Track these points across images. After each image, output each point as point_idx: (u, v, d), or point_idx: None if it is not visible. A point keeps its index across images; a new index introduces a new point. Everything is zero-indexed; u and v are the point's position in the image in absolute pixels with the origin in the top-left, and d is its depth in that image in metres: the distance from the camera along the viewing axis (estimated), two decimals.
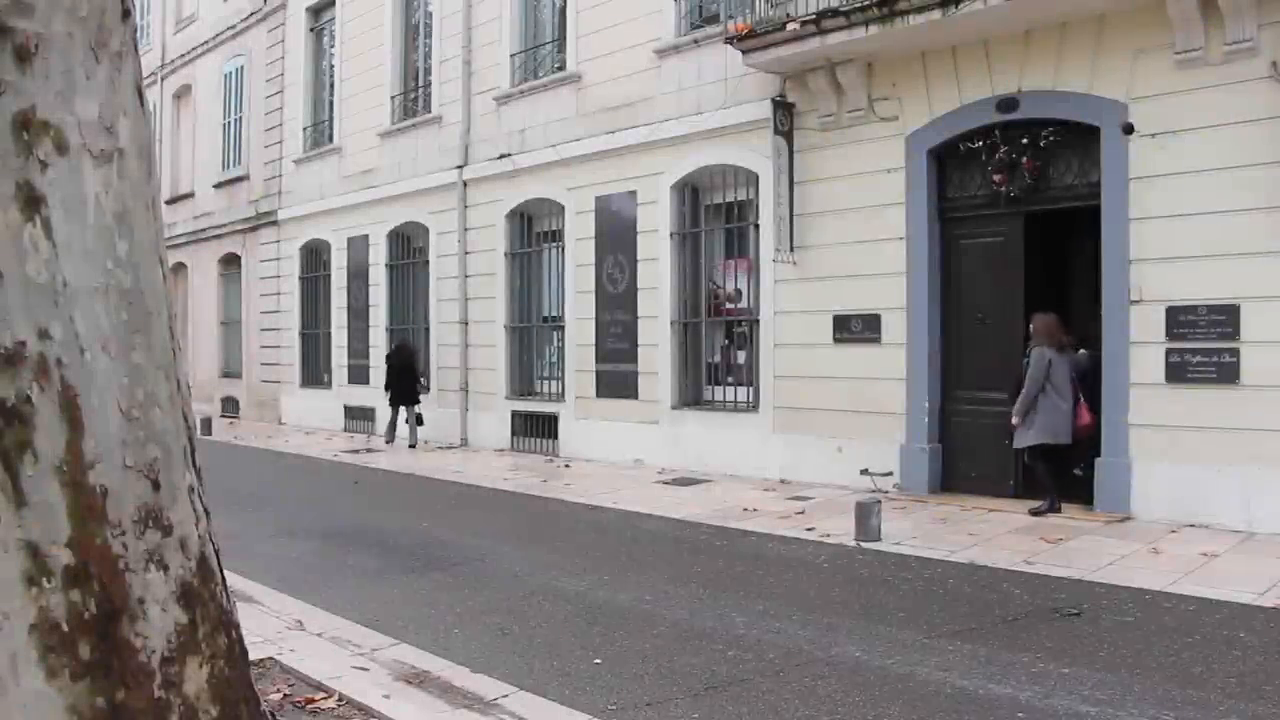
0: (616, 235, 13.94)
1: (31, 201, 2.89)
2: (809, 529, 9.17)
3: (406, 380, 16.67)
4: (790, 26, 10.81)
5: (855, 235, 11.21)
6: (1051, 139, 9.96)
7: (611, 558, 8.34)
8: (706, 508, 10.43)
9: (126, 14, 3.17)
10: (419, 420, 16.74)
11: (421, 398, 16.86)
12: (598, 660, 5.64)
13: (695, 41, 12.86)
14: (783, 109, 11.69)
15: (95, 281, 2.98)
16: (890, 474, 10.87)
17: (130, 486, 3.05)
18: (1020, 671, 5.27)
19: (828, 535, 8.89)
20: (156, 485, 3.11)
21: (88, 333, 2.95)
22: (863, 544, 8.49)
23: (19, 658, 2.96)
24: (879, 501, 8.91)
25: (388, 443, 16.97)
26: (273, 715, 4.28)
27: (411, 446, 16.45)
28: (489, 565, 8.13)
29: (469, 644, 5.98)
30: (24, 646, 2.96)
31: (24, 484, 2.91)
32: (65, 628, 2.97)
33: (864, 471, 10.96)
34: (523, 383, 16.01)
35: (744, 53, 11.46)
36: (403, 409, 16.76)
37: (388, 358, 17.24)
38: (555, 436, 14.97)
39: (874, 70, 11.06)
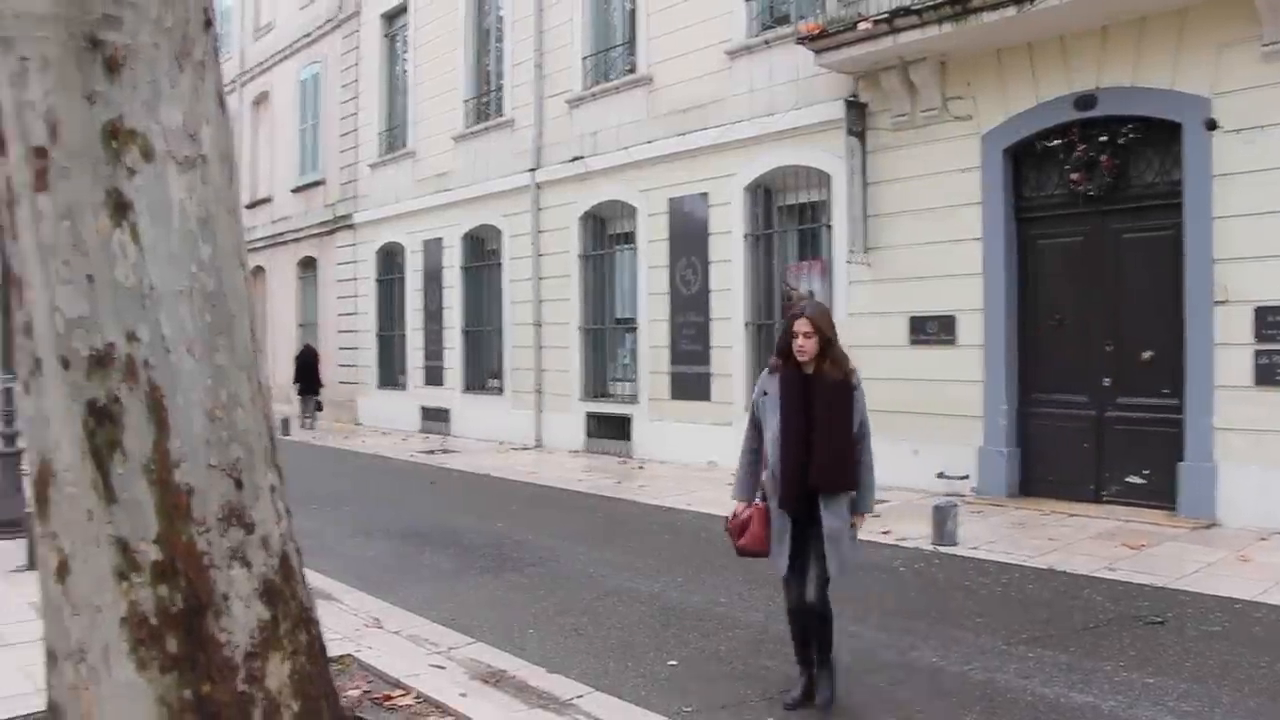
0: (689, 237, 13.93)
1: (120, 207, 2.96)
2: (884, 532, 9.07)
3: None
4: (862, 26, 10.72)
5: (930, 236, 11.07)
6: (1131, 136, 9.75)
7: (685, 560, 8.32)
8: None
9: (208, 24, 3.23)
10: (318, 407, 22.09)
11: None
12: (673, 662, 5.64)
13: (766, 42, 12.80)
14: (855, 109, 11.59)
15: (180, 285, 3.04)
16: (966, 477, 10.72)
17: (214, 485, 3.11)
18: (1102, 680, 5.17)
19: (904, 539, 8.80)
20: (239, 484, 3.18)
21: (173, 335, 3.02)
22: (939, 548, 8.39)
23: (111, 649, 3.04)
24: (956, 505, 8.79)
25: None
26: (352, 711, 4.35)
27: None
28: (563, 566, 8.17)
29: (544, 644, 6.02)
30: (116, 638, 3.03)
31: (114, 481, 2.99)
32: (154, 621, 3.04)
33: (940, 475, 10.82)
34: (596, 384, 16.06)
35: (816, 53, 11.38)
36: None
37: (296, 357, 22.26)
38: (629, 438, 14.99)
39: (948, 69, 10.92)
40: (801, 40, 11.44)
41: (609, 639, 6.15)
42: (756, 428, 5.06)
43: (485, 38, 18.59)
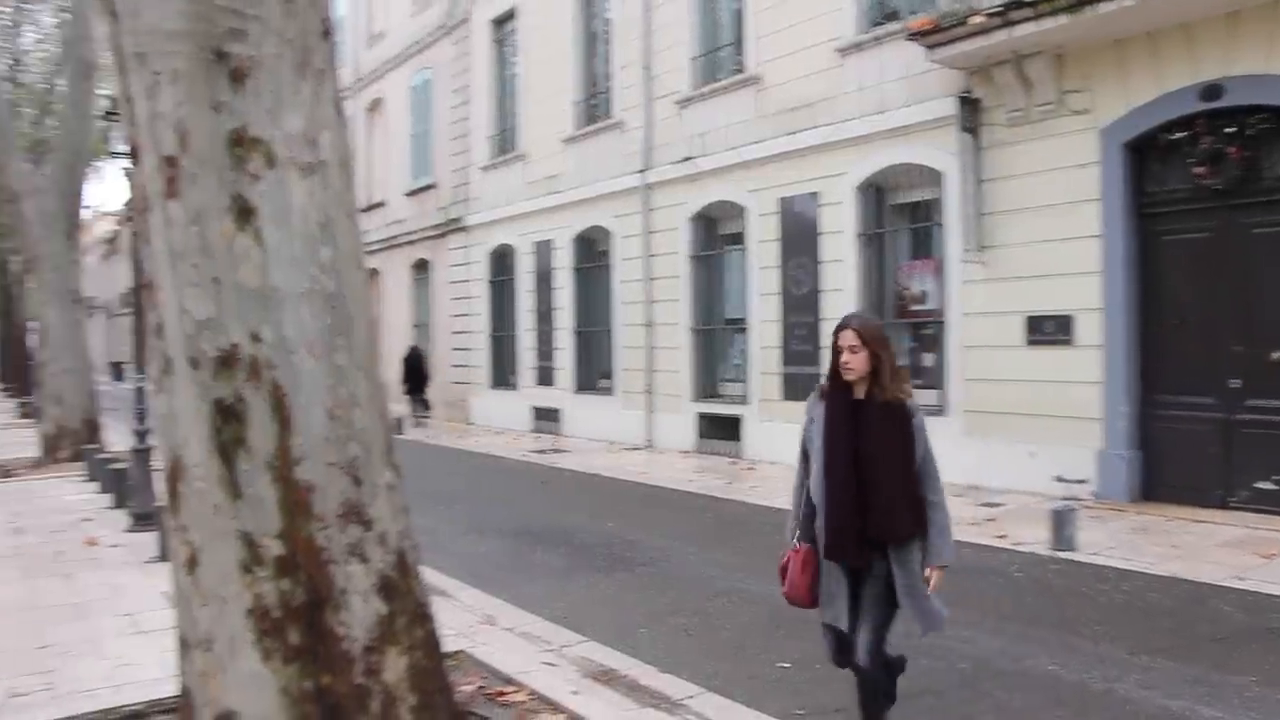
0: (799, 237, 13.83)
1: (244, 213, 3.06)
2: (1000, 536, 8.89)
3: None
4: (975, 20, 10.50)
5: (1047, 234, 10.80)
6: (1262, 127, 9.37)
7: None
8: None
9: (326, 34, 3.33)
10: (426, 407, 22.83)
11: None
12: (784, 664, 5.61)
13: (876, 39, 12.63)
14: (968, 105, 11.37)
15: (301, 287, 3.13)
16: (1085, 481, 10.43)
17: (334, 482, 3.20)
18: (1233, 695, 4.95)
19: (1020, 543, 8.60)
20: (358, 482, 3.26)
21: (295, 335, 3.11)
22: (1057, 553, 8.18)
23: (237, 639, 3.15)
24: (1074, 509, 8.56)
25: None
26: (465, 706, 4.42)
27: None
28: (674, 566, 8.19)
29: (655, 643, 6.04)
30: (241, 629, 3.15)
31: (239, 478, 3.10)
32: (277, 614, 3.14)
33: (1058, 478, 10.55)
34: (707, 385, 16.04)
35: (927, 48, 11.19)
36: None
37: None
38: (739, 439, 14.94)
39: (1064, 61, 10.64)
40: (913, 36, 11.27)
41: (720, 639, 6.15)
42: (806, 460, 4.38)
43: (593, 40, 18.71)
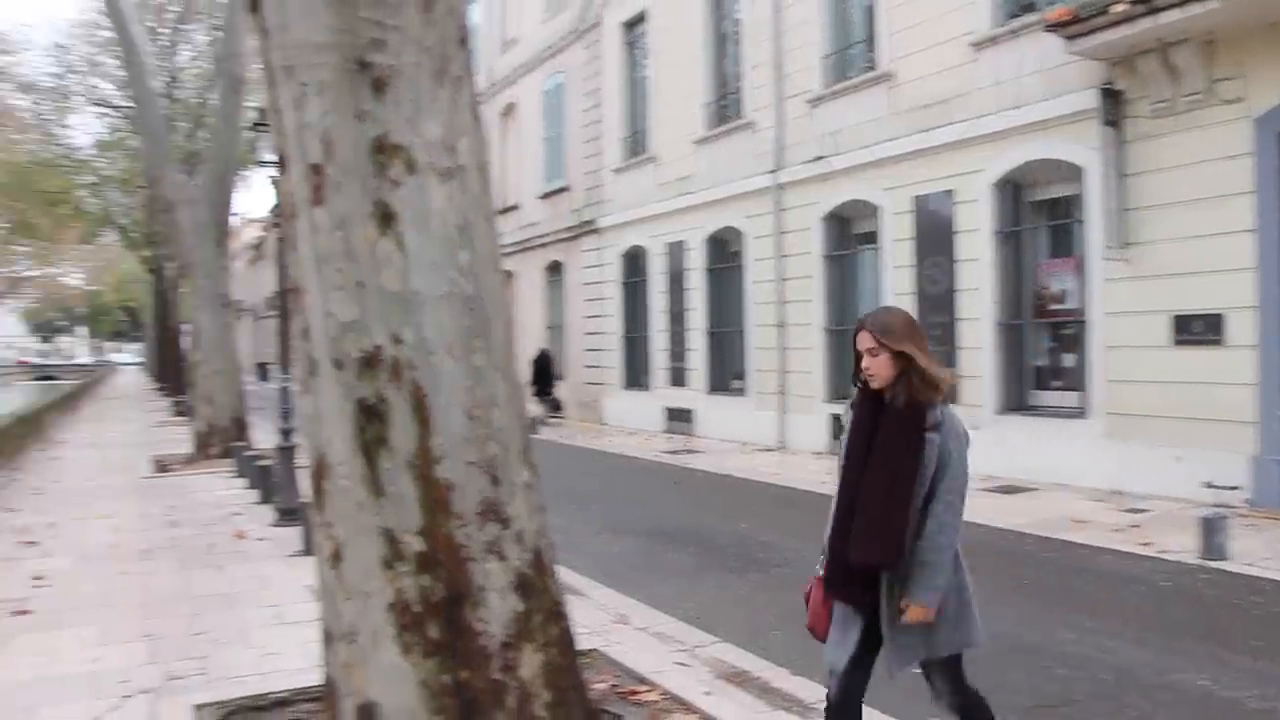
0: (934, 235, 13.59)
1: (386, 218, 3.16)
2: (1144, 544, 8.59)
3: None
4: (1117, 8, 10.15)
5: (1195, 229, 10.39)
6: None
7: None
8: (1031, 517, 9.98)
9: (463, 41, 3.40)
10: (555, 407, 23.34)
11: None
12: (914, 670, 5.52)
13: (1012, 32, 12.33)
14: (1110, 97, 11.01)
15: (441, 289, 3.21)
16: (1238, 488, 10.00)
17: (473, 481, 3.27)
18: None
19: (1166, 551, 8.29)
20: (496, 481, 3.32)
21: (435, 337, 3.20)
22: (1207, 562, 7.87)
23: (379, 633, 3.25)
24: (1226, 517, 8.22)
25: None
26: (599, 705, 4.47)
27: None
28: (807, 567, 8.04)
29: (788, 646, 6.00)
30: (383, 623, 3.24)
31: (381, 476, 3.20)
32: (417, 609, 3.23)
33: (1208, 484, 10.14)
34: (840, 386, 15.86)
35: (1066, 39, 10.88)
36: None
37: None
38: None
39: (1214, 48, 10.21)
40: (1051, 27, 10.97)
41: None
42: None
43: (723, 41, 18.70)
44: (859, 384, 3.60)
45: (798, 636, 6.19)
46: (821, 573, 3.73)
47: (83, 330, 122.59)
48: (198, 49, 31.75)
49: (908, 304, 13.92)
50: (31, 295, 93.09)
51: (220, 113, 16.86)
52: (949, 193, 13.26)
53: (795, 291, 16.32)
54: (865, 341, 3.51)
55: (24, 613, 6.82)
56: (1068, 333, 12.29)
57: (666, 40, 19.82)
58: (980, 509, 10.45)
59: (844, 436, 3.65)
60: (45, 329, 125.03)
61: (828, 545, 3.63)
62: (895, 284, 14.25)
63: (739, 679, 5.29)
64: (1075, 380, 11.98)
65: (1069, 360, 12.26)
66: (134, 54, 16.49)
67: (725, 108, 18.44)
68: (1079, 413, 11.71)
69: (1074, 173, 11.71)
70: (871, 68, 14.71)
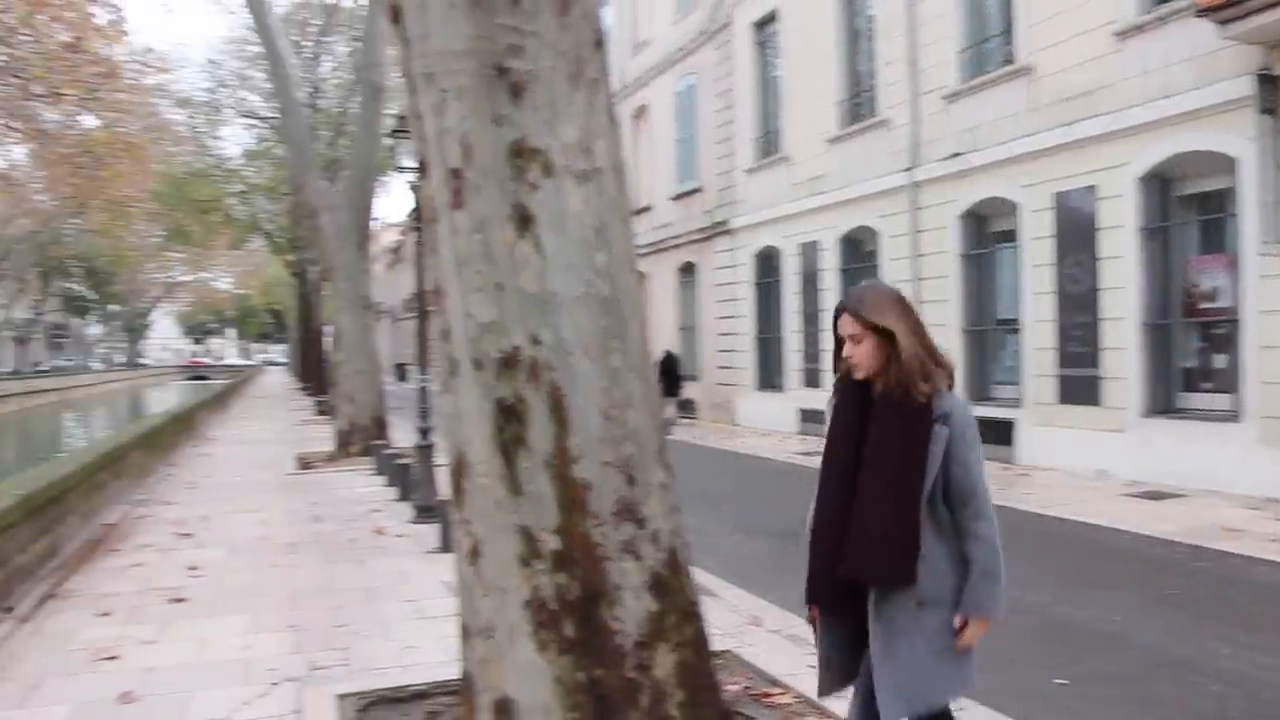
0: (1075, 233, 13.18)
1: (524, 220, 3.21)
2: None
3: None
4: None
5: None
6: None
7: (1072, 572, 7.89)
8: (1180, 525, 9.59)
9: (599, 44, 3.43)
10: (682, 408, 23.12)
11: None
12: (1060, 680, 5.36)
13: (1160, 19, 11.86)
14: (1267, 83, 10.49)
15: (577, 291, 3.25)
16: None
17: (609, 481, 3.29)
18: None
19: None
20: (632, 481, 3.34)
21: (572, 338, 3.23)
22: None
23: (515, 629, 3.30)
24: None
25: None
26: (731, 706, 4.46)
27: None
28: None
29: None
30: (519, 620, 3.29)
31: (520, 475, 3.24)
32: (553, 607, 3.26)
33: None
34: (978, 387, 15.52)
35: (1219, 24, 10.43)
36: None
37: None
38: (1011, 443, 14.39)
39: None
40: (1202, 12, 10.53)
41: (991, 650, 5.90)
42: None
43: (855, 38, 18.47)
44: (839, 376, 3.15)
45: None
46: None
47: (231, 332, 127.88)
48: (338, 60, 32.83)
49: (1048, 304, 13.55)
50: (185, 299, 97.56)
51: (361, 120, 17.38)
52: (1091, 188, 12.85)
53: (931, 291, 16.02)
54: (846, 326, 3.02)
55: (180, 600, 7.14)
56: (1219, 333, 11.78)
57: (798, 39, 19.68)
58: (1125, 514, 10.11)
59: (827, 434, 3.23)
60: (197, 331, 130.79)
61: (809, 549, 3.24)
62: (1035, 283, 13.87)
63: None
64: (1227, 382, 11.48)
65: (1220, 361, 11.75)
66: (280, 67, 17.10)
67: (858, 106, 18.22)
68: (1231, 416, 11.22)
69: (1226, 164, 11.22)
70: (1010, 61, 14.36)
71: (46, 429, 44.34)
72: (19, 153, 37.64)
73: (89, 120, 28.83)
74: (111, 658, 5.82)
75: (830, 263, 18.85)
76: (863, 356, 3.00)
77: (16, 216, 47.80)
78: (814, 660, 5.52)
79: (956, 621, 3.01)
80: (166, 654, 5.90)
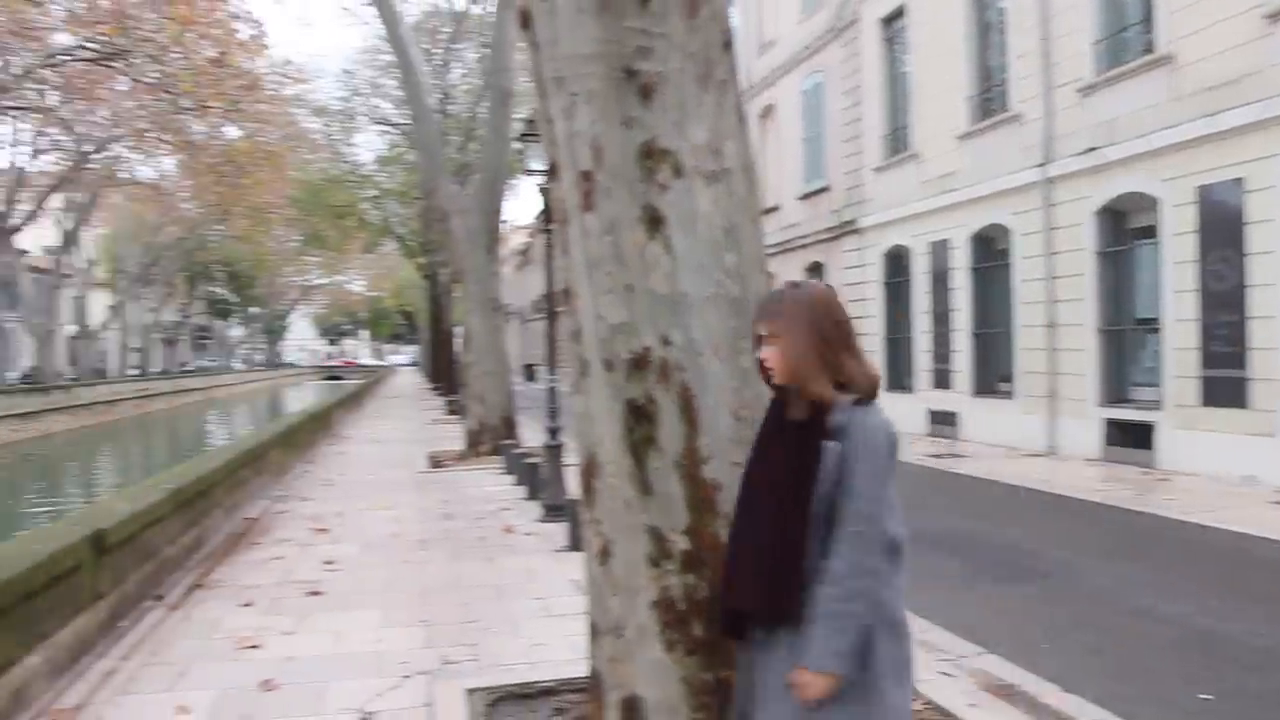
0: (1221, 227, 12.64)
1: (654, 221, 3.23)
2: None
3: None
4: None
5: None
6: None
7: (1217, 582, 7.58)
8: None
9: (727, 45, 3.44)
10: None
11: None
12: (1205, 696, 5.16)
13: None
14: None
15: (707, 291, 3.26)
16: None
17: (738, 482, 3.29)
18: None
19: None
20: None
21: (702, 339, 3.24)
22: None
23: (644, 629, 3.32)
24: None
25: None
26: None
27: None
28: (1079, 579, 7.76)
29: (1058, 661, 5.75)
30: (648, 620, 3.31)
31: (650, 475, 3.26)
32: (681, 607, 3.27)
33: None
34: (1115, 389, 15.04)
35: None
36: None
37: None
38: (1151, 447, 13.89)
39: None
40: None
41: (1130, 662, 5.76)
42: None
43: (986, 31, 18.06)
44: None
45: (1070, 651, 5.93)
46: None
47: (364, 333, 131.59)
48: (467, 66, 33.47)
49: (1190, 302, 13.05)
50: (321, 301, 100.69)
51: (490, 125, 17.68)
52: (1239, 181, 12.32)
53: (1066, 290, 15.59)
54: (759, 327, 2.77)
55: (317, 594, 7.37)
56: None
57: (926, 34, 19.34)
58: (1274, 522, 9.68)
59: None
60: (331, 332, 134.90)
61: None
62: (1176, 280, 13.37)
63: (1006, 693, 5.11)
64: None
65: None
66: (412, 75, 17.52)
67: (989, 101, 17.82)
68: None
69: None
70: (1149, 50, 13.86)
71: (192, 426, 46.26)
72: (168, 163, 39.41)
73: (232, 131, 30.03)
74: (253, 646, 6.04)
75: (961, 261, 18.47)
76: (774, 360, 2.73)
77: (166, 224, 50.00)
78: (944, 666, 5.46)
79: (797, 672, 2.60)
80: (304, 645, 6.10)
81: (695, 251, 3.24)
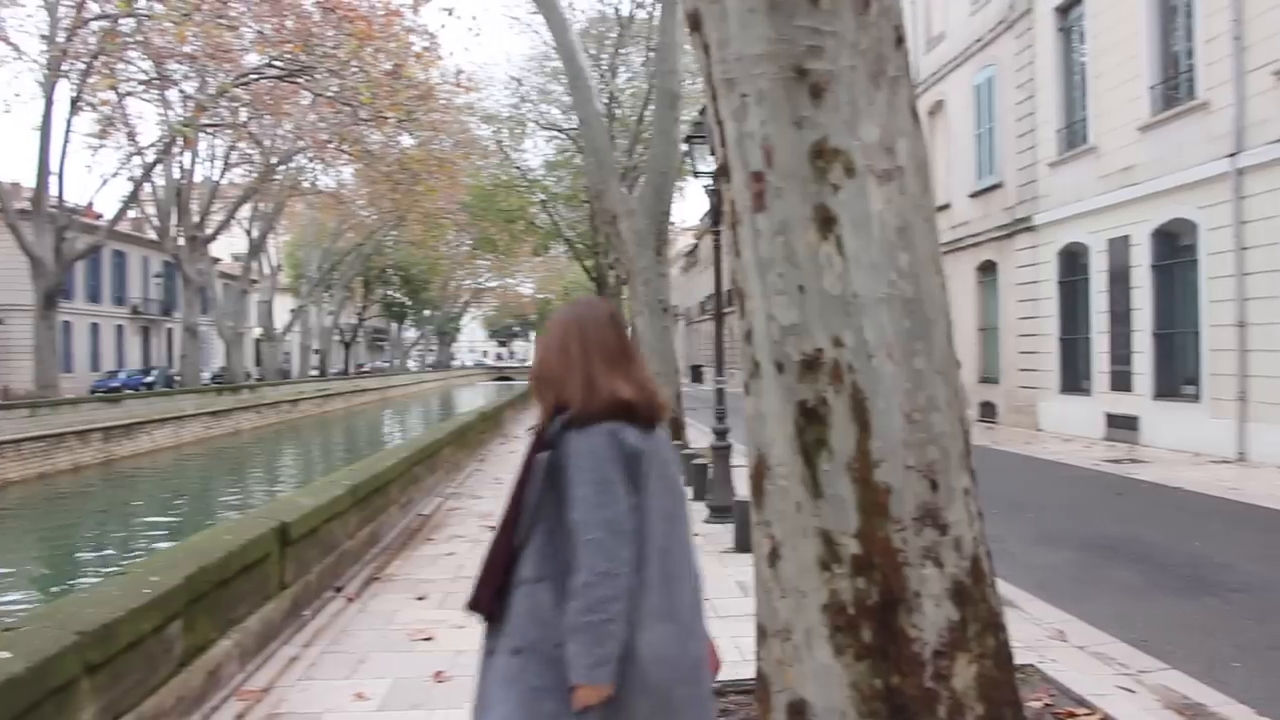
0: None
1: (826, 222, 3.20)
2: None
3: None
4: None
5: None
6: None
7: None
8: None
9: (899, 41, 3.38)
10: None
11: None
12: None
13: None
14: None
15: (880, 292, 3.21)
16: None
17: (910, 486, 3.23)
18: None
19: None
20: (934, 486, 3.26)
21: (875, 340, 3.19)
22: None
23: (812, 633, 3.29)
24: None
25: None
26: None
27: None
28: (1274, 594, 7.34)
29: (1251, 680, 5.45)
30: (817, 623, 3.28)
31: (820, 477, 3.23)
32: (851, 611, 3.23)
33: None
34: None
35: None
36: None
37: None
38: None
39: None
40: None
41: None
42: None
43: (1170, 16, 17.27)
44: None
45: (1266, 672, 5.61)
46: None
47: (532, 335, 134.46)
48: (633, 70, 33.84)
49: None
50: (490, 303, 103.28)
51: (657, 127, 17.82)
52: None
53: (1260, 287, 14.77)
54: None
55: None
56: None
57: (1105, 21, 18.62)
58: None
59: None
60: (501, 334, 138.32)
61: None
62: None
63: (1192, 712, 4.87)
64: None
65: None
66: (580, 80, 17.78)
67: (1174, 89, 17.06)
68: None
69: None
70: None
71: (369, 425, 48.07)
72: (347, 172, 41.13)
73: (406, 139, 31.11)
74: (427, 639, 6.24)
75: (1142, 259, 17.71)
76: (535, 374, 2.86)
77: (344, 230, 52.13)
78: (1123, 680, 5.25)
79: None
80: (474, 639, 6.22)
81: (868, 252, 3.21)
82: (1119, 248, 18.40)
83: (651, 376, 2.97)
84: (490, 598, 2.80)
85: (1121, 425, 18.34)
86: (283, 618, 6.43)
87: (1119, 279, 18.48)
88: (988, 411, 23.80)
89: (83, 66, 27.01)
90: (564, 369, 2.84)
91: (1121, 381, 18.51)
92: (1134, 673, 5.49)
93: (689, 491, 12.10)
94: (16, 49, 27.92)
